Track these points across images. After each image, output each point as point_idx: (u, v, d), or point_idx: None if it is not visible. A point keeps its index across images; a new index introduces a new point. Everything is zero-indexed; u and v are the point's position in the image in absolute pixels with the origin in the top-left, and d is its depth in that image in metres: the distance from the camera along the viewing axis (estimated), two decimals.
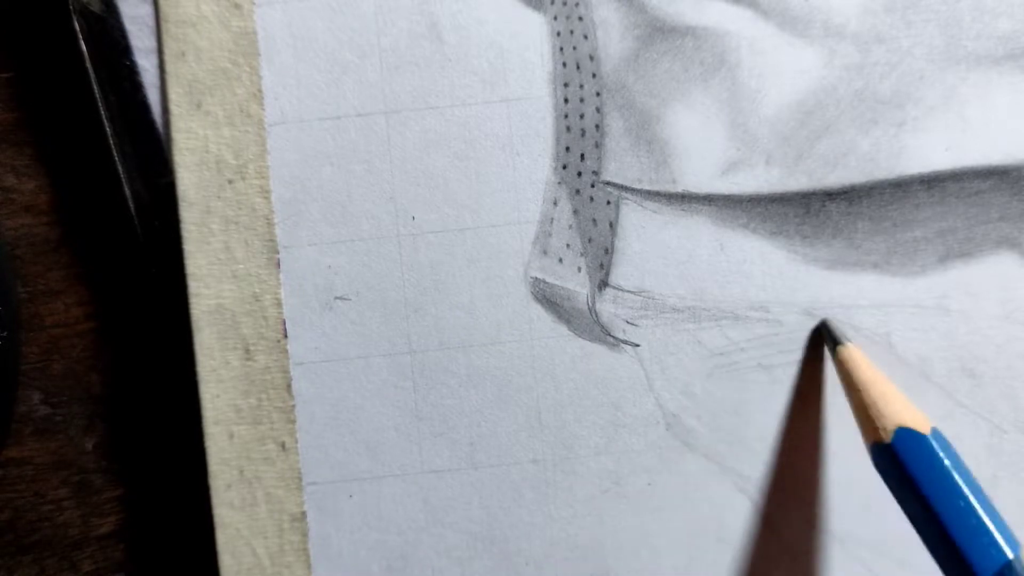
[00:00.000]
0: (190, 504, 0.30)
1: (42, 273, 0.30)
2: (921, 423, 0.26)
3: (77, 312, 0.31)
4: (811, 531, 0.30)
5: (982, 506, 0.24)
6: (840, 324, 0.29)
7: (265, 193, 0.29)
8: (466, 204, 0.30)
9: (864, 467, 0.27)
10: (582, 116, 0.29)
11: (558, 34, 0.29)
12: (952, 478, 0.25)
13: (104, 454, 0.31)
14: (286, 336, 0.29)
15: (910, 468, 0.25)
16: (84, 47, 0.29)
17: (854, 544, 0.30)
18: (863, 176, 0.29)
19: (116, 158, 0.29)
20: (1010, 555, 0.24)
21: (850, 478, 0.29)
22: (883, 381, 0.27)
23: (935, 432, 0.26)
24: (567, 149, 0.29)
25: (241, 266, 0.29)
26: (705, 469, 0.30)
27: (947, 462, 0.25)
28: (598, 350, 0.30)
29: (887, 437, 0.26)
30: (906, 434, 0.25)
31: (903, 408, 0.26)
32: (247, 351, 0.29)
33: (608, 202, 0.30)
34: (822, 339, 0.29)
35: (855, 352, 0.28)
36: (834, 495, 0.30)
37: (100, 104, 0.29)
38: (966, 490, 0.24)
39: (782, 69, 0.29)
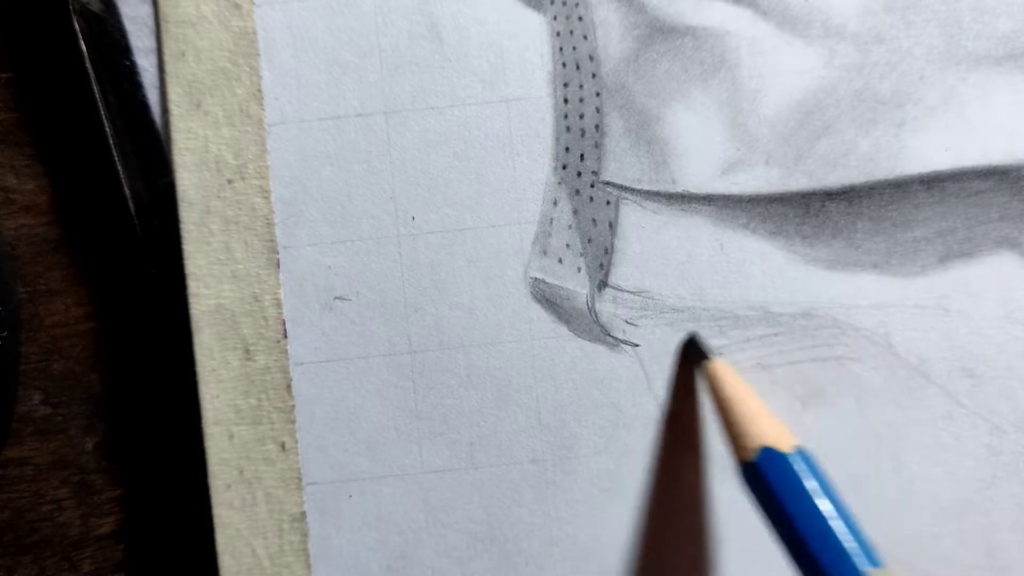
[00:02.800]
0: (190, 504, 0.30)
1: (42, 273, 0.30)
2: (784, 442, 0.26)
3: (77, 312, 0.31)
4: None
5: (844, 526, 0.25)
6: (706, 339, 0.29)
7: (265, 193, 0.29)
8: (466, 204, 0.30)
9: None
10: (582, 116, 0.29)
11: (558, 34, 0.29)
12: (812, 498, 0.25)
13: (104, 454, 0.31)
14: (286, 336, 0.29)
15: (773, 487, 0.25)
16: (84, 47, 0.29)
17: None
18: (863, 176, 0.29)
19: (116, 158, 0.29)
20: (866, 571, 0.24)
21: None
22: (749, 397, 0.27)
23: (799, 450, 0.26)
24: (567, 149, 0.29)
25: (241, 266, 0.29)
26: (705, 469, 0.30)
27: (808, 481, 0.25)
28: (598, 350, 0.30)
29: (751, 456, 0.26)
30: (769, 454, 0.26)
31: (768, 426, 0.26)
32: (247, 351, 0.29)
33: (608, 202, 0.30)
34: (691, 353, 0.29)
35: (722, 367, 0.28)
36: None
37: (100, 104, 0.29)
38: (827, 509, 0.25)
39: (782, 69, 0.29)
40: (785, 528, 0.25)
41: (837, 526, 0.25)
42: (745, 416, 0.27)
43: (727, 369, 0.28)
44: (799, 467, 0.26)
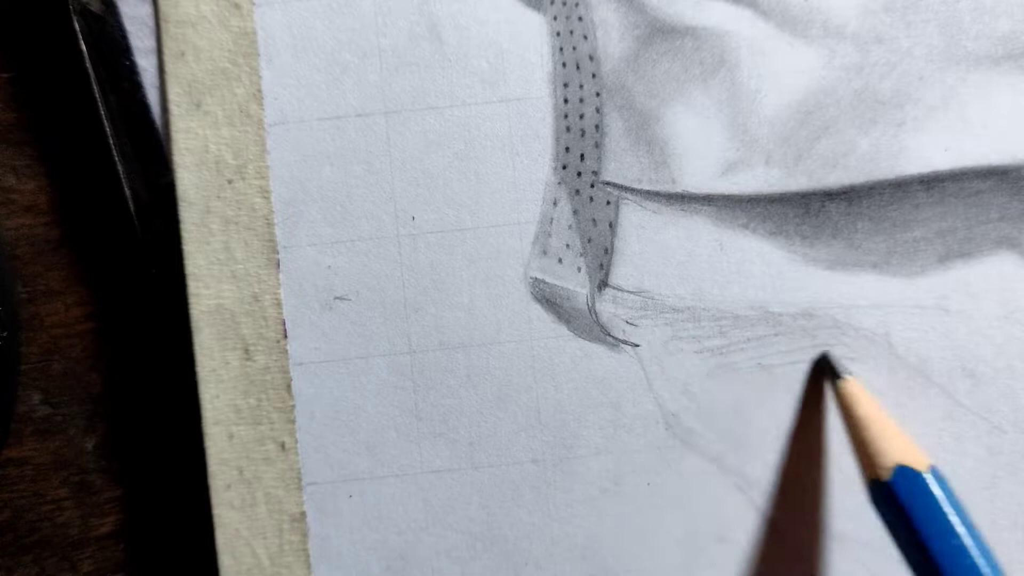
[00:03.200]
0: (190, 504, 0.30)
1: (42, 273, 0.30)
2: (919, 461, 0.26)
3: (77, 312, 0.31)
4: (811, 532, 0.30)
5: (976, 546, 0.25)
6: (840, 357, 0.29)
7: (265, 193, 0.29)
8: (466, 204, 0.30)
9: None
10: (582, 116, 0.29)
11: (558, 34, 0.29)
12: (947, 518, 0.25)
13: (104, 454, 0.31)
14: (286, 336, 0.29)
15: (907, 507, 0.25)
16: (84, 47, 0.29)
17: (854, 544, 0.30)
18: (863, 176, 0.29)
19: (116, 158, 0.29)
20: None
21: (851, 479, 0.29)
22: (882, 417, 0.27)
23: (933, 470, 0.26)
24: (567, 149, 0.29)
25: (241, 266, 0.29)
26: (705, 469, 0.30)
27: (943, 501, 0.25)
28: (598, 350, 0.30)
29: (886, 475, 0.26)
30: (904, 472, 0.26)
31: (902, 445, 0.26)
32: (247, 351, 0.29)
33: (608, 202, 0.30)
34: (823, 370, 0.29)
35: (855, 387, 0.28)
36: (835, 496, 0.30)
37: (100, 104, 0.29)
38: (961, 530, 0.25)
39: (782, 69, 0.29)
40: (917, 548, 0.25)
41: (970, 547, 0.25)
42: (879, 435, 0.27)
43: (861, 388, 0.28)
44: (934, 487, 0.25)
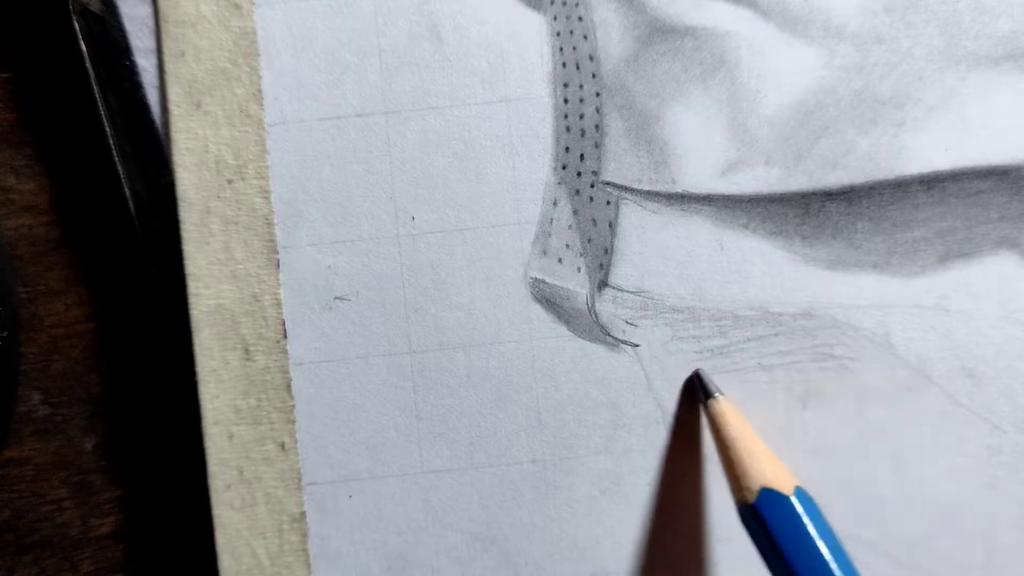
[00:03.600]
0: (190, 504, 0.30)
1: (42, 273, 0.30)
2: (785, 483, 0.26)
3: (77, 312, 0.31)
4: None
5: (841, 568, 0.25)
6: (711, 376, 0.29)
7: (265, 193, 0.29)
8: (466, 204, 0.30)
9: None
10: (582, 116, 0.29)
11: (558, 34, 0.29)
12: (811, 539, 0.25)
13: (104, 454, 0.31)
14: (286, 336, 0.29)
15: (772, 528, 0.26)
16: (84, 47, 0.29)
17: (854, 544, 0.30)
18: (863, 176, 0.29)
19: (116, 158, 0.29)
20: None
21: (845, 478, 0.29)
22: (750, 437, 0.27)
23: (798, 491, 0.26)
24: (567, 149, 0.29)
25: (241, 266, 0.29)
26: (704, 469, 0.30)
27: (807, 523, 0.25)
28: (598, 350, 0.30)
29: (751, 497, 0.26)
30: (770, 495, 0.26)
31: (768, 467, 0.26)
32: (247, 351, 0.29)
33: (608, 202, 0.30)
34: (695, 387, 0.29)
35: (725, 406, 0.28)
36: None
37: (100, 104, 0.29)
38: (825, 551, 0.25)
39: (782, 69, 0.29)
40: (784, 569, 0.25)
41: (835, 569, 0.25)
42: (746, 456, 0.27)
43: (730, 408, 0.28)
44: (798, 509, 0.26)
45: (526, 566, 0.30)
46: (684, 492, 0.29)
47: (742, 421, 0.28)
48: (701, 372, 0.29)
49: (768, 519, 0.26)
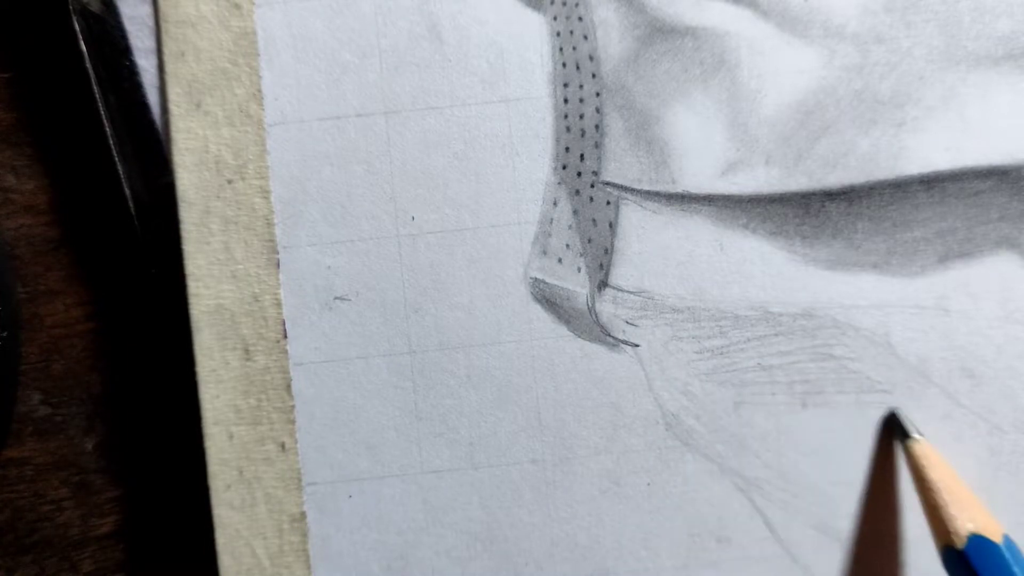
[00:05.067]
0: (190, 504, 0.30)
1: (42, 273, 0.30)
2: (993, 530, 0.26)
3: (77, 312, 0.31)
4: (813, 533, 0.30)
5: None
6: (909, 416, 0.29)
7: (265, 193, 0.29)
8: (466, 204, 0.30)
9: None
10: (582, 116, 0.29)
11: (558, 34, 0.29)
12: None
13: (104, 454, 0.31)
14: (286, 336, 0.29)
15: (982, 575, 0.25)
16: (84, 47, 0.29)
17: (854, 544, 0.30)
18: (863, 176, 0.29)
19: (116, 158, 0.29)
20: None
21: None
22: (955, 480, 0.27)
23: (1007, 540, 0.26)
24: (567, 149, 0.29)
25: (241, 266, 0.29)
26: (705, 469, 0.30)
27: (1017, 572, 0.25)
28: (598, 350, 0.30)
29: (960, 543, 0.26)
30: (979, 541, 0.26)
31: (976, 513, 0.26)
32: (247, 351, 0.29)
33: (608, 202, 0.30)
34: (891, 427, 0.29)
35: (927, 448, 0.28)
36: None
37: (100, 104, 0.29)
38: None
39: (782, 69, 0.29)
40: None
41: None
42: (952, 500, 0.26)
43: (932, 450, 0.28)
44: (1008, 557, 0.25)
45: (526, 566, 0.30)
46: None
47: (945, 463, 0.27)
48: (899, 412, 0.29)
49: (977, 566, 0.25)
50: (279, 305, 0.29)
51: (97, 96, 0.29)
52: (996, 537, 0.26)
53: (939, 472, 0.27)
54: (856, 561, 0.29)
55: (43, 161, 0.30)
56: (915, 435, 0.28)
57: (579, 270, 0.30)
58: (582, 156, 0.29)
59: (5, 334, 0.29)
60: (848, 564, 0.29)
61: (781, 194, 0.29)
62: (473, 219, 0.30)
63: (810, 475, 0.30)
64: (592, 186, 0.29)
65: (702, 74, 0.29)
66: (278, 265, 0.29)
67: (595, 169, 0.29)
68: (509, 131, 0.29)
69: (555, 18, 0.29)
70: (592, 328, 0.30)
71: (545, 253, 0.30)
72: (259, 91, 0.29)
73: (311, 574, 0.29)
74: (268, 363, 0.29)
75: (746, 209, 0.29)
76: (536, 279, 0.30)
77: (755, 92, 0.29)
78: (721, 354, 0.30)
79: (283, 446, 0.29)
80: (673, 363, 0.30)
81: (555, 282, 0.30)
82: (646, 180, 0.29)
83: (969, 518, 0.26)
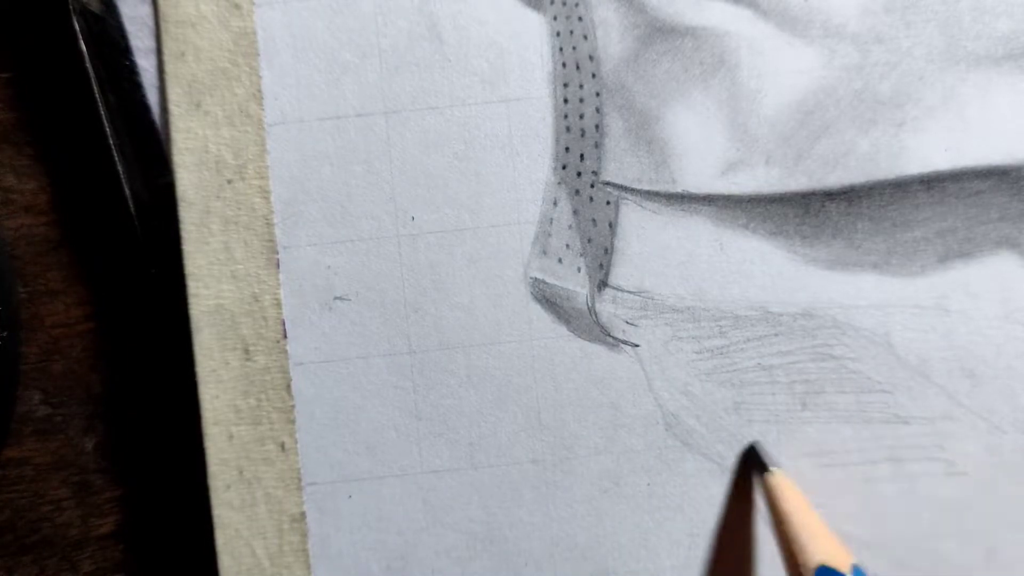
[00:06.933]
0: (190, 504, 0.30)
1: (42, 273, 0.30)
2: (842, 561, 0.26)
3: (77, 312, 0.31)
4: None
5: None
6: (768, 449, 0.29)
7: (264, 193, 0.29)
8: (466, 204, 0.30)
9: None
10: (582, 116, 0.29)
11: (558, 34, 0.29)
12: None
13: (104, 454, 0.31)
14: (286, 336, 0.29)
15: None
16: (84, 47, 0.29)
17: (855, 544, 0.30)
18: (863, 176, 0.29)
19: (116, 158, 0.29)
20: None
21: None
22: (807, 512, 0.27)
23: (856, 570, 0.26)
24: (567, 149, 0.29)
25: (240, 266, 0.29)
26: (704, 469, 0.30)
27: None
28: (598, 350, 0.30)
29: (808, 575, 0.26)
30: (826, 573, 0.26)
31: (825, 543, 0.26)
32: (246, 351, 0.29)
33: (608, 202, 0.30)
34: (752, 461, 0.29)
35: (782, 480, 0.28)
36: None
37: (100, 104, 0.29)
38: None
39: (782, 69, 0.29)
40: None
41: None
42: (805, 531, 0.26)
43: (787, 482, 0.28)
44: None
45: (526, 566, 0.30)
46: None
47: (799, 496, 0.27)
48: (757, 445, 0.29)
49: None
50: (279, 305, 0.29)
51: (97, 96, 0.29)
52: (844, 568, 0.26)
53: (792, 504, 0.27)
54: None
55: (43, 161, 0.30)
56: (772, 468, 0.28)
57: (579, 270, 0.30)
58: (582, 156, 0.29)
59: (5, 334, 0.29)
60: None
61: (781, 194, 0.29)
62: (473, 219, 0.30)
63: (810, 477, 0.30)
64: (592, 186, 0.29)
65: (702, 74, 0.29)
66: (278, 265, 0.29)
67: (595, 169, 0.29)
68: (509, 131, 0.29)
69: (555, 18, 0.29)
70: (592, 328, 0.30)
71: (545, 253, 0.30)
72: (259, 91, 0.29)
73: (311, 574, 0.29)
74: (268, 363, 0.29)
75: (746, 209, 0.29)
76: (536, 279, 0.30)
77: (755, 92, 0.29)
78: (721, 354, 0.30)
79: (283, 446, 0.29)
80: (673, 363, 0.30)
81: (555, 282, 0.30)
82: (646, 180, 0.29)
83: (817, 549, 0.26)
